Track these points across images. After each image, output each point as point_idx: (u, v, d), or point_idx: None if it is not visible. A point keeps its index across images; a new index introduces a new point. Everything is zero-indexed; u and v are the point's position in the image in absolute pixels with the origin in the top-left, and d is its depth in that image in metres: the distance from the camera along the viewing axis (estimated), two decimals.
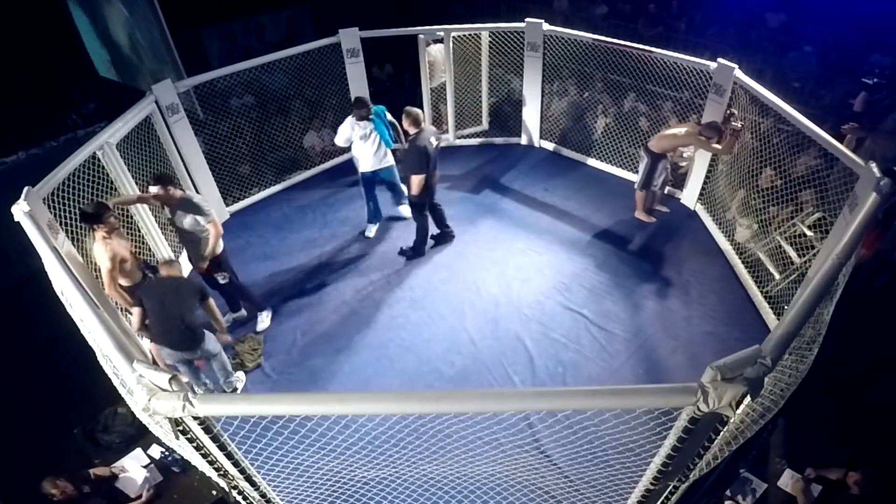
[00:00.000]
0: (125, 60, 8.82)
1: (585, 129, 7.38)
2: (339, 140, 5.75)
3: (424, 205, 5.56)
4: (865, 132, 5.42)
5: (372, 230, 6.26)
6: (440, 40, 7.06)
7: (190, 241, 4.57)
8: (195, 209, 4.39)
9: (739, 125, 5.43)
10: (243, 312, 5.26)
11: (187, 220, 4.42)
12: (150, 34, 7.92)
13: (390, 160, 5.86)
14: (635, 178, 7.12)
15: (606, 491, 3.08)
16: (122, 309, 4.41)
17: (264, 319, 5.18)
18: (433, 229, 5.95)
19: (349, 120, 5.61)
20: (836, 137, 4.47)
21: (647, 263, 5.76)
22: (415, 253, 5.90)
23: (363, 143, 5.62)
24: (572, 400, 2.00)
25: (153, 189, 4.32)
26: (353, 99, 5.50)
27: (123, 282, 4.19)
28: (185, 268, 5.36)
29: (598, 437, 3.06)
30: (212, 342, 4.18)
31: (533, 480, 3.83)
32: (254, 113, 6.80)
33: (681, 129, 5.73)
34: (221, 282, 4.74)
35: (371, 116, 5.54)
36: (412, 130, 5.13)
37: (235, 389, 4.62)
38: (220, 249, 4.66)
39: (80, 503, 3.90)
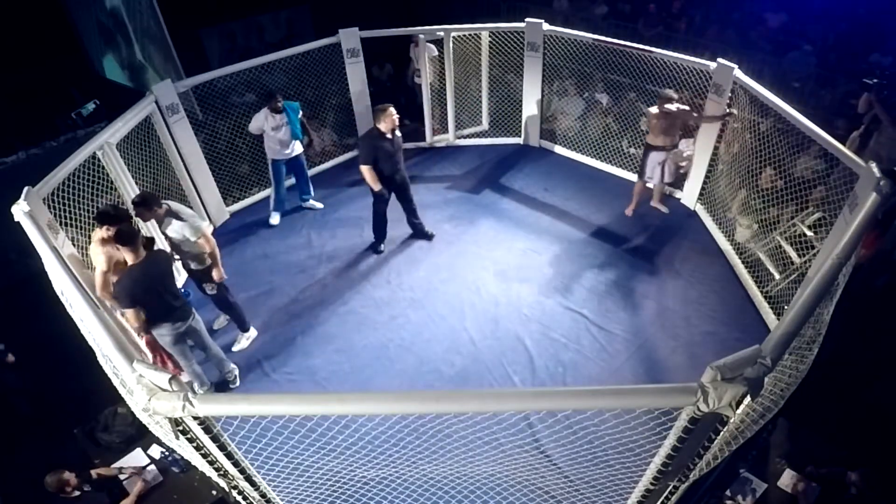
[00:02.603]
0: (135, 65, 8.82)
1: (585, 129, 7.38)
2: (252, 128, 6.01)
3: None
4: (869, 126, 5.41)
5: (276, 218, 6.54)
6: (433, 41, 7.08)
7: (179, 250, 4.50)
8: (182, 226, 4.30)
9: (733, 111, 5.59)
10: None
11: (172, 231, 4.34)
12: (151, 34, 7.92)
13: (298, 150, 6.19)
14: (636, 177, 7.14)
15: (606, 491, 3.08)
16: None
17: (241, 341, 4.99)
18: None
19: (264, 111, 5.89)
20: (836, 137, 4.48)
21: (647, 263, 5.76)
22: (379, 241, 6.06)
23: (275, 134, 5.92)
24: (572, 400, 2.00)
25: (135, 214, 4.32)
26: (267, 94, 5.93)
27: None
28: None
29: (598, 437, 3.06)
30: (199, 319, 4.30)
31: (533, 480, 3.83)
32: (254, 113, 6.80)
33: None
34: (209, 293, 4.70)
35: (284, 109, 5.87)
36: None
37: (235, 378, 4.66)
38: (209, 261, 4.54)
39: (82, 499, 3.90)
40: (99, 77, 9.45)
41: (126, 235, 3.75)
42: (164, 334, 4.09)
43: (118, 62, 9.02)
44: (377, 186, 5.47)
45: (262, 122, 5.91)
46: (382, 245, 6.02)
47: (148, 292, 3.84)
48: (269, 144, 6.07)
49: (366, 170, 5.37)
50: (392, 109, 5.25)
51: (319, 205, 6.77)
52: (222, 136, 6.59)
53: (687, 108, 5.70)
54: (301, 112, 6.03)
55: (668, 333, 4.99)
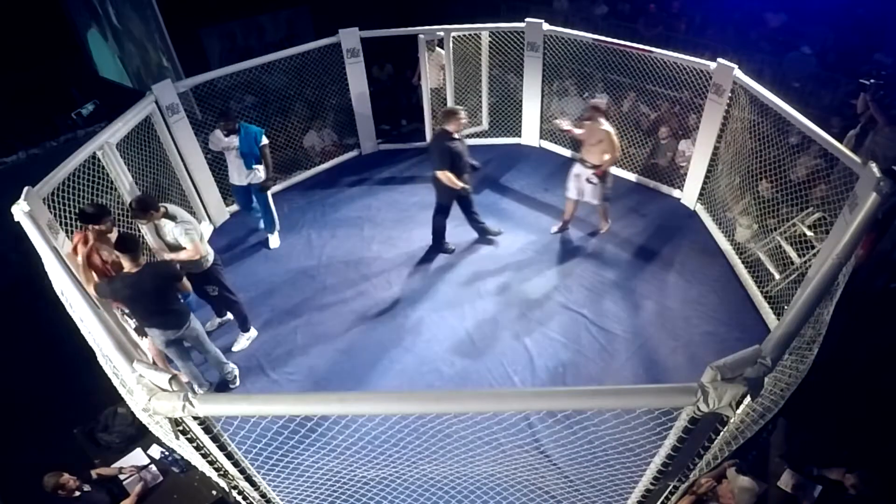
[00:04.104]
0: (137, 66, 8.82)
1: None
2: (210, 144, 5.66)
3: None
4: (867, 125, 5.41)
5: (274, 240, 6.18)
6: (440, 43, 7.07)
7: (173, 249, 4.50)
8: (174, 229, 4.30)
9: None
10: (229, 316, 5.21)
11: (167, 234, 4.37)
12: (150, 34, 7.93)
13: (257, 177, 5.66)
14: (635, 177, 7.13)
15: (606, 491, 3.08)
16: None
17: (241, 341, 5.01)
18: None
19: (217, 131, 5.49)
20: (831, 136, 4.48)
21: (648, 264, 5.75)
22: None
23: (228, 156, 5.57)
24: (572, 400, 2.00)
25: (133, 216, 4.28)
26: (222, 111, 5.54)
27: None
28: None
29: (598, 437, 3.06)
30: (196, 322, 4.22)
31: (533, 480, 3.83)
32: (254, 113, 6.81)
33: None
34: (211, 294, 4.72)
35: (238, 131, 5.40)
36: None
37: (235, 378, 4.66)
38: (209, 264, 4.57)
39: (81, 500, 3.90)
40: (99, 77, 9.46)
41: (126, 243, 3.72)
42: (154, 336, 4.13)
43: (101, 34, 9.00)
44: (460, 184, 5.36)
45: (215, 140, 5.52)
46: (451, 244, 6.02)
47: (131, 302, 3.85)
48: (229, 167, 5.70)
49: (442, 174, 5.29)
50: (463, 112, 5.25)
51: (275, 243, 6.19)
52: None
53: (608, 129, 5.31)
54: (265, 140, 5.51)
55: (668, 333, 4.99)
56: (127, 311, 4.25)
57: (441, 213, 5.77)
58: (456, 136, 5.28)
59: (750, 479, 3.76)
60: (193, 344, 4.31)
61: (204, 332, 4.36)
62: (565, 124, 5.69)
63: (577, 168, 5.68)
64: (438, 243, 5.99)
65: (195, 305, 5.11)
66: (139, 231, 5.04)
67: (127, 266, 3.78)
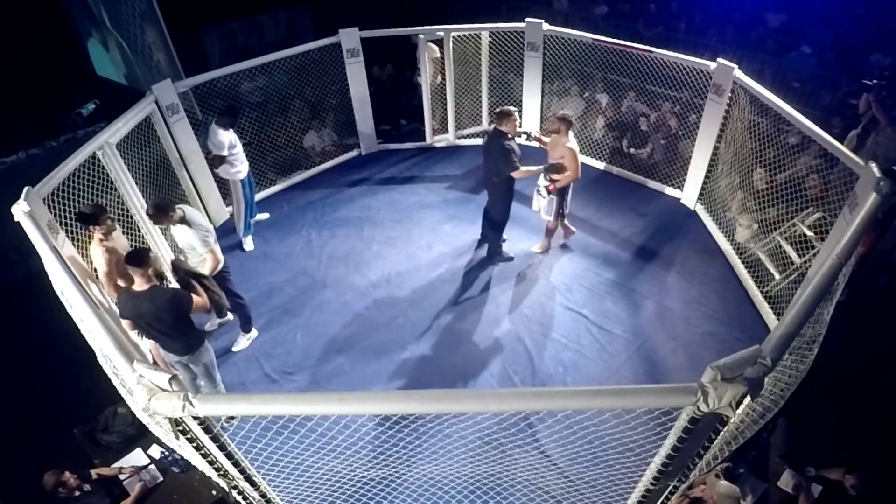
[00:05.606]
0: (134, 66, 8.81)
1: (585, 129, 7.37)
2: (221, 147, 5.45)
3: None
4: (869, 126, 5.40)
5: (250, 242, 6.19)
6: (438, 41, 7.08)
7: (185, 256, 4.49)
8: (192, 236, 4.26)
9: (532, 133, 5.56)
10: (228, 317, 5.20)
11: (180, 239, 4.34)
12: (151, 35, 7.93)
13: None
14: (635, 177, 7.12)
15: (606, 491, 3.08)
16: None
17: (242, 341, 5.02)
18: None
19: (219, 129, 5.41)
20: (832, 136, 4.48)
21: (648, 264, 5.75)
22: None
23: (238, 150, 5.54)
24: (572, 400, 2.00)
25: (150, 220, 4.30)
26: (227, 107, 5.48)
27: (122, 282, 4.16)
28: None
29: (598, 437, 3.06)
30: (208, 354, 4.08)
31: (533, 480, 3.83)
32: (254, 113, 6.82)
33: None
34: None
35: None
36: None
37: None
38: (219, 268, 4.53)
39: (81, 499, 3.90)
40: (99, 77, 9.46)
41: (133, 257, 3.60)
42: (163, 355, 4.09)
43: (100, 42, 9.01)
44: (534, 168, 5.12)
45: (223, 139, 5.39)
46: (509, 252, 5.85)
47: (136, 319, 3.75)
48: (233, 164, 5.61)
49: (518, 173, 5.05)
50: (517, 113, 5.05)
51: (265, 215, 6.57)
52: None
53: (571, 147, 5.07)
54: None
55: (668, 333, 4.99)
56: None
57: (495, 230, 5.62)
58: (511, 136, 5.07)
59: (728, 483, 3.74)
60: (199, 373, 4.12)
61: (215, 366, 4.19)
62: (534, 132, 5.63)
63: (539, 179, 5.43)
64: (496, 255, 5.80)
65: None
66: (139, 231, 5.06)
67: (137, 282, 3.62)
